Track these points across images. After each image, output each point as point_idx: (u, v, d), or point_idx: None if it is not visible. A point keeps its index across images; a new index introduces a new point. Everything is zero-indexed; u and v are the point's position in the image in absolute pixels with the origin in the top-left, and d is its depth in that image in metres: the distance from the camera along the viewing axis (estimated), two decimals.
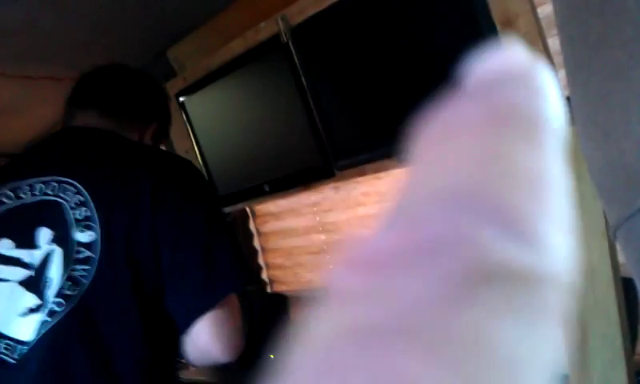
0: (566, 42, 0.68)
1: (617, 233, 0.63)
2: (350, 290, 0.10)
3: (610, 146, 0.59)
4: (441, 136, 0.12)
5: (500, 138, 0.11)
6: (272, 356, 2.08)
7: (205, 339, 1.18)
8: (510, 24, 1.23)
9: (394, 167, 1.62)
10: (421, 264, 0.10)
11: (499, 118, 0.11)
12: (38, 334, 1.13)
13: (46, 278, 1.16)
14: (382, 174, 1.79)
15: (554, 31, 1.17)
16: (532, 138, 0.11)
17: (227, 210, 2.11)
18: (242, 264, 1.27)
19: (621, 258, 1.25)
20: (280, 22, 1.63)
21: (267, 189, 1.89)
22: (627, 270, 1.20)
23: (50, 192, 1.22)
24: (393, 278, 0.10)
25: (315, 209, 2.13)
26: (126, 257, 1.17)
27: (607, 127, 0.59)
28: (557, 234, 0.11)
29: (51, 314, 1.14)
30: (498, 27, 1.24)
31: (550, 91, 0.13)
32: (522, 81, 0.12)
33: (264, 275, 2.44)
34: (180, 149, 2.15)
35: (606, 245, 1.25)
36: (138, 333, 1.18)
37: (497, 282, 0.09)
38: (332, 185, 1.94)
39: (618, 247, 0.62)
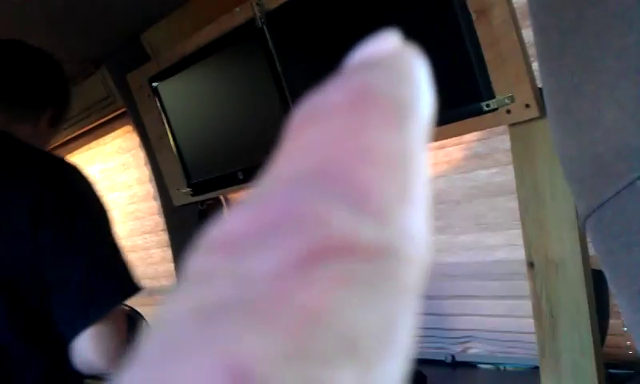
0: (539, 31, 0.67)
1: (586, 223, 0.63)
2: (200, 271, 0.10)
3: (581, 135, 0.59)
4: (305, 120, 0.12)
5: (358, 119, 0.11)
6: None
7: (89, 352, 1.18)
8: (484, 13, 1.22)
9: None
10: (268, 242, 0.10)
11: (359, 101, 0.12)
12: None
13: None
14: None
15: (529, 22, 1.17)
16: (392, 120, 0.12)
17: (201, 198, 2.09)
18: (126, 276, 1.26)
19: (591, 249, 1.26)
20: (255, 6, 1.61)
21: (241, 177, 1.87)
22: (598, 262, 1.21)
23: None
24: (241, 258, 0.10)
25: None
26: (1, 278, 1.15)
27: (578, 117, 0.59)
28: (410, 214, 0.11)
29: None
30: (473, 16, 1.23)
31: (417, 77, 0.13)
32: (387, 66, 0.13)
33: None
34: (153, 135, 2.12)
35: (576, 236, 1.26)
36: (29, 349, 1.18)
37: (342, 256, 0.10)
38: None
39: (588, 238, 0.62)
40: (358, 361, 0.10)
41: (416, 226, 0.11)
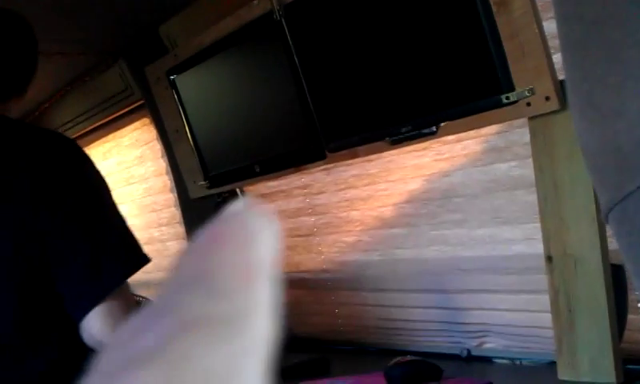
0: (562, 22, 0.67)
1: (609, 216, 0.62)
2: (113, 339, 0.17)
3: (604, 127, 0.58)
4: (186, 252, 0.18)
5: (217, 248, 0.17)
6: None
7: (99, 331, 1.15)
8: (505, 5, 1.21)
9: (385, 150, 1.61)
10: (152, 327, 0.16)
11: (219, 238, 0.18)
12: None
13: None
14: (373, 157, 1.78)
15: (550, 14, 1.16)
16: (240, 247, 0.17)
17: (217, 190, 2.10)
18: (132, 248, 1.24)
19: (610, 244, 1.25)
20: None
21: (258, 169, 1.87)
22: (617, 257, 1.20)
23: None
24: (132, 342, 0.16)
25: (306, 191, 2.11)
26: (14, 257, 1.14)
27: (602, 108, 0.58)
28: (251, 294, 0.17)
29: None
30: (494, 8, 1.23)
31: (257, 224, 0.18)
32: (238, 218, 0.18)
33: None
34: (170, 128, 2.13)
35: (595, 230, 1.25)
36: (34, 337, 1.17)
37: (199, 325, 0.16)
38: (323, 167, 1.93)
39: (609, 232, 0.62)
40: None
41: (257, 301, 0.17)
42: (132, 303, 1.22)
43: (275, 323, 0.17)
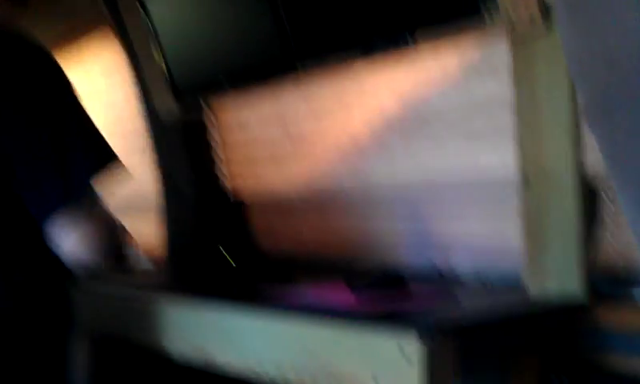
0: None
1: (591, 116, 0.62)
2: None
3: (593, 34, 0.57)
4: None
5: None
6: (234, 264, 2.08)
7: (69, 243, 1.12)
8: None
9: (359, 62, 1.57)
10: None
11: None
12: None
13: None
14: (347, 80, 1.76)
15: None
16: None
17: (190, 116, 2.09)
18: (98, 146, 1.18)
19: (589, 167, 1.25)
20: None
21: (224, 81, 1.85)
22: (593, 181, 1.21)
23: None
24: None
25: (283, 119, 2.09)
26: None
27: (592, 14, 0.57)
28: None
29: None
30: None
31: None
32: None
33: (227, 185, 2.43)
34: (139, 48, 2.07)
35: (571, 148, 1.25)
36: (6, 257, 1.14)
37: None
38: (298, 93, 1.91)
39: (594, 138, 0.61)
40: None
41: None
42: (106, 219, 1.18)
43: None
